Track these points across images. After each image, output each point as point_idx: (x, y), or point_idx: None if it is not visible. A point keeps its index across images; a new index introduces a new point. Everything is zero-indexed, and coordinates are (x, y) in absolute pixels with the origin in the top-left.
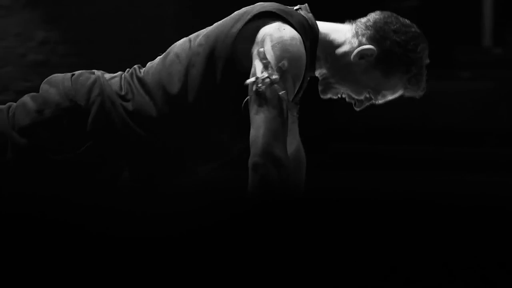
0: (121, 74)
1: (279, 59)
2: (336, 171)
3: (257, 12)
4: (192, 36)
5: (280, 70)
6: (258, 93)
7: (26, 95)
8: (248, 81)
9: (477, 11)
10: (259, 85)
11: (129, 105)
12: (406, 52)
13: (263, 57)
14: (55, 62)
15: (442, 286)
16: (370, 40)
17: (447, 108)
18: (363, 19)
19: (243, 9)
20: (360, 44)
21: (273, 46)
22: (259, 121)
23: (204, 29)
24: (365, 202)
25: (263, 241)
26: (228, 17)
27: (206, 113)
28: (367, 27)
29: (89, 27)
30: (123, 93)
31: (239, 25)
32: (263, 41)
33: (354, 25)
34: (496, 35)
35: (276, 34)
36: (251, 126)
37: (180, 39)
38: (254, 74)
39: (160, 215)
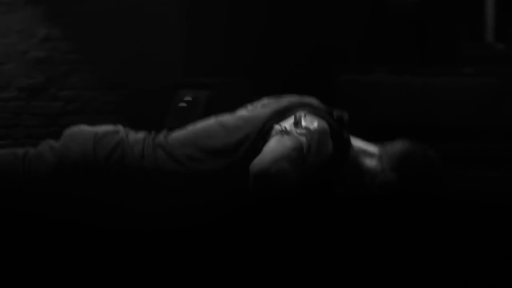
0: (144, 138)
1: (309, 127)
2: None
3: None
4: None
5: (308, 133)
6: (282, 132)
7: (45, 143)
8: (277, 126)
9: (479, 6)
10: (285, 129)
11: (149, 171)
12: (424, 188)
13: (298, 120)
14: (57, 59)
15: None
16: (394, 171)
17: (449, 104)
18: (391, 146)
19: (282, 105)
20: (384, 174)
21: (304, 120)
22: (274, 144)
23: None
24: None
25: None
26: (262, 108)
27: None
28: (392, 157)
29: (91, 24)
30: (145, 159)
31: (271, 116)
32: (297, 117)
33: (381, 149)
34: (498, 31)
35: (309, 117)
36: (263, 150)
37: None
38: (283, 125)
39: (161, 211)
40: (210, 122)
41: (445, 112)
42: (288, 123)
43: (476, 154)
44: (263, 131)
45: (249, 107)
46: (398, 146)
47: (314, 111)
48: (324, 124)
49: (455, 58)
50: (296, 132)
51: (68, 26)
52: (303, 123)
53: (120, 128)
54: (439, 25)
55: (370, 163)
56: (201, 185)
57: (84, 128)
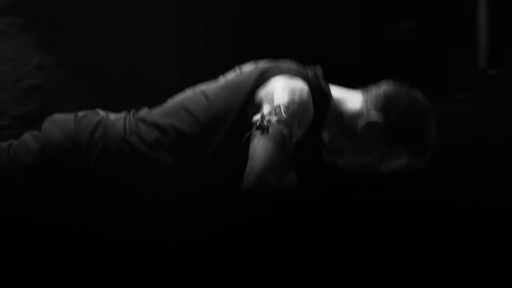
0: (125, 116)
1: (287, 103)
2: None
3: (272, 76)
4: (204, 88)
5: (287, 112)
6: (261, 127)
7: (27, 133)
8: (255, 118)
9: (472, 33)
10: (264, 121)
11: (135, 143)
12: (412, 126)
13: (271, 99)
14: (51, 86)
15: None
16: (379, 110)
17: (443, 129)
18: (375, 89)
19: (257, 70)
20: (368, 113)
21: (282, 91)
22: (259, 151)
23: (214, 83)
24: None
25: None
26: (242, 76)
27: (213, 149)
28: (377, 97)
29: (84, 51)
30: (127, 133)
31: (252, 88)
32: (274, 87)
33: (365, 94)
34: (491, 57)
35: (287, 82)
36: (249, 156)
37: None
38: (261, 112)
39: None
40: (191, 92)
41: (438, 138)
42: (266, 109)
43: (468, 181)
44: (246, 105)
45: (230, 74)
46: (382, 87)
47: (289, 73)
48: (303, 85)
49: (448, 84)
50: (276, 119)
51: (61, 53)
52: (279, 103)
53: (99, 110)
54: (433, 51)
55: (354, 107)
56: (188, 157)
57: (62, 114)
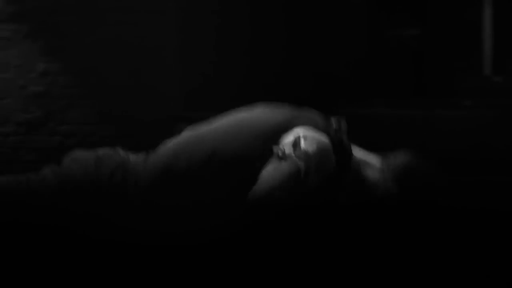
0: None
1: (309, 148)
2: None
3: (296, 126)
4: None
5: (306, 155)
6: (280, 157)
7: (47, 168)
8: (276, 149)
9: (477, 40)
10: (284, 153)
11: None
12: (427, 199)
13: (297, 141)
14: (56, 93)
15: None
16: (397, 182)
17: (448, 136)
18: (393, 158)
19: (282, 117)
20: (386, 185)
21: (305, 137)
22: (272, 171)
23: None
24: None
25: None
26: (261, 123)
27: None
28: (395, 169)
29: (89, 58)
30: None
31: (275, 137)
32: (297, 133)
33: (383, 161)
34: (496, 64)
35: (310, 136)
36: (261, 175)
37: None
38: (281, 146)
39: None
40: (201, 138)
41: (443, 144)
42: (287, 145)
43: (474, 186)
44: (263, 152)
45: (241, 115)
46: (400, 158)
47: (313, 125)
48: (325, 140)
49: (454, 91)
50: (295, 155)
51: (66, 60)
52: (302, 145)
53: (119, 150)
54: (437, 58)
55: (372, 174)
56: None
57: (85, 151)
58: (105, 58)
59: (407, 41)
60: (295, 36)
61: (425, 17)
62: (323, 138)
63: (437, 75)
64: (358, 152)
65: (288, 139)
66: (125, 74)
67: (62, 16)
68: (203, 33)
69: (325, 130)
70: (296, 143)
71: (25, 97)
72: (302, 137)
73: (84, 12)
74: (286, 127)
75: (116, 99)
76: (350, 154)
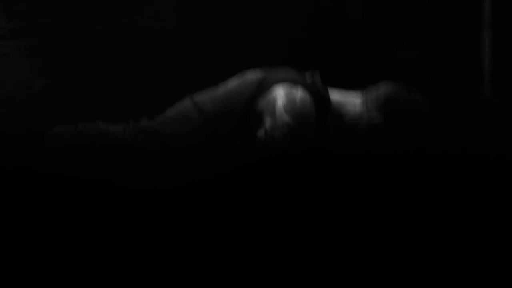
0: (125, 127)
1: (288, 116)
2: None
3: (272, 85)
4: (199, 100)
5: (288, 127)
6: (266, 145)
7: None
8: (259, 134)
9: (477, 61)
10: (268, 138)
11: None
12: (412, 127)
13: (272, 111)
14: (55, 110)
15: None
16: (379, 112)
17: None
18: (374, 90)
19: (257, 78)
20: (369, 115)
21: (283, 102)
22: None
23: (213, 91)
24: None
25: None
26: (243, 84)
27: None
28: (377, 99)
29: (90, 75)
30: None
31: (252, 97)
32: (274, 97)
33: (364, 95)
34: (495, 85)
35: (287, 92)
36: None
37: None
38: (264, 127)
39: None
40: (190, 104)
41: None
42: (268, 123)
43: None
44: (246, 113)
45: (231, 81)
46: (382, 88)
47: (290, 80)
48: (303, 93)
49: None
50: (279, 134)
51: (66, 77)
52: (281, 116)
53: (99, 122)
54: (437, 79)
55: (353, 109)
56: (186, 163)
57: (64, 125)
58: (107, 75)
59: (406, 62)
60: (288, 59)
61: (425, 39)
62: (300, 93)
63: (435, 94)
64: (336, 95)
65: (269, 121)
66: (126, 91)
67: (61, 33)
68: (203, 22)
69: (301, 83)
70: (275, 120)
71: (23, 114)
72: (283, 95)
73: (84, 30)
74: (263, 87)
75: (117, 115)
76: (328, 100)
